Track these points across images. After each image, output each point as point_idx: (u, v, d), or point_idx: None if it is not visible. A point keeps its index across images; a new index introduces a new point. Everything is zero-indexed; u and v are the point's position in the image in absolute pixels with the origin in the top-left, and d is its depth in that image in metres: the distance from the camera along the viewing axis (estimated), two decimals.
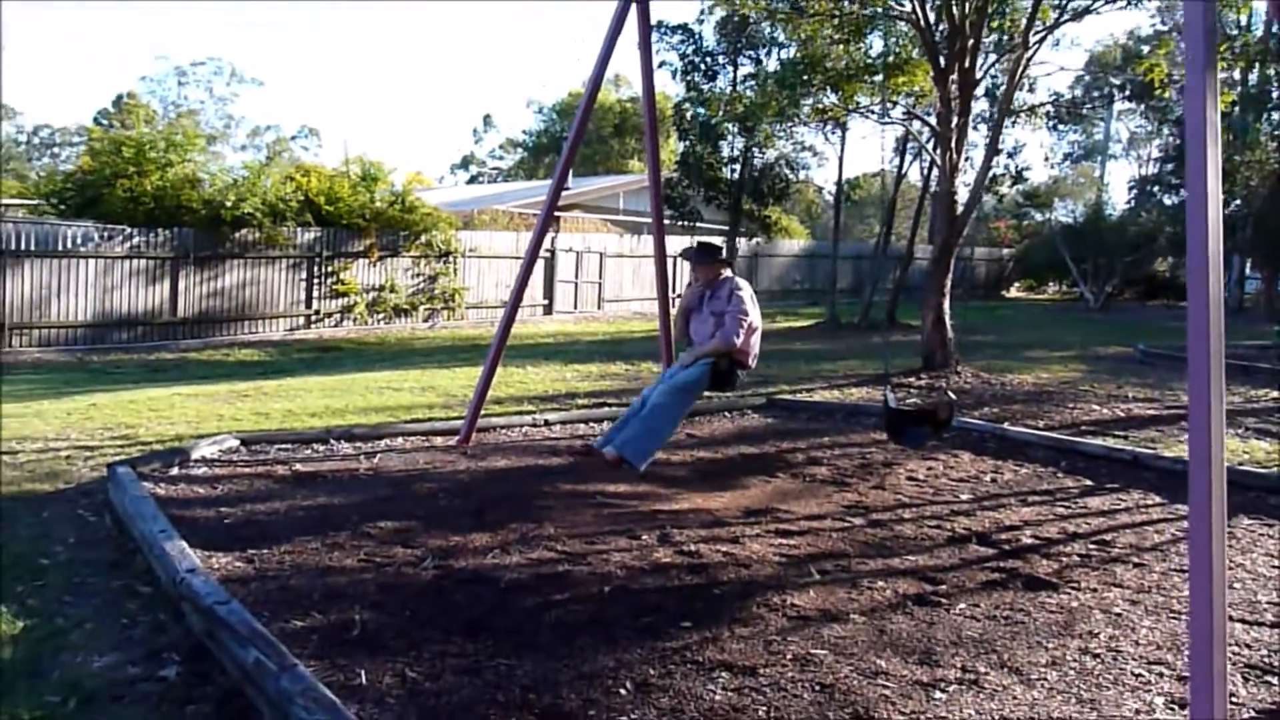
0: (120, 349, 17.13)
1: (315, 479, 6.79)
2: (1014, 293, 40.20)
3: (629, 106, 46.31)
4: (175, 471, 6.82)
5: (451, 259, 22.09)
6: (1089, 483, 7.24)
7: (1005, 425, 9.21)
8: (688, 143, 19.27)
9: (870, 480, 7.18)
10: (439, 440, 8.24)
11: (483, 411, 9.81)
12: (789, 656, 3.92)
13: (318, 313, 20.08)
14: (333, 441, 7.92)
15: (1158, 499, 6.78)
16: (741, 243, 22.70)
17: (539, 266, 24.08)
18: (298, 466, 7.14)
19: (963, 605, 4.57)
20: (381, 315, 20.98)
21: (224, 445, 7.52)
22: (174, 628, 4.25)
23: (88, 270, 17.07)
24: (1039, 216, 36.06)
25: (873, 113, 14.16)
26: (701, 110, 17.92)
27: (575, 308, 25.04)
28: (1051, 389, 12.04)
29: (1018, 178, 20.12)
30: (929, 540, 5.71)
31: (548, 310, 24.38)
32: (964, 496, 6.76)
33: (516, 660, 3.86)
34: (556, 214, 27.68)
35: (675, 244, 26.94)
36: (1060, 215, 36.69)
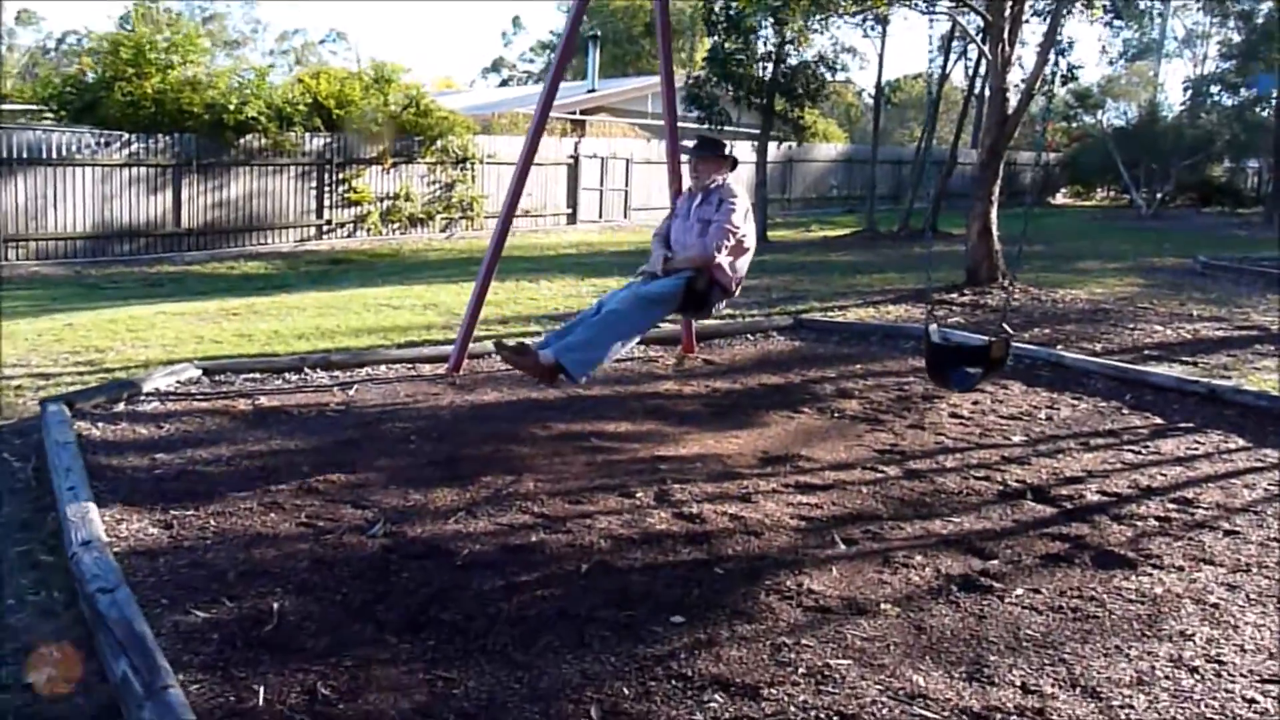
0: (121, 262, 16.42)
1: (277, 416, 6.02)
2: (1060, 199, 38.54)
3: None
4: (120, 407, 6.07)
5: (469, 165, 21.07)
6: (1159, 421, 6.32)
7: (1060, 350, 8.26)
8: (716, 38, 17.95)
9: (908, 417, 6.31)
10: (427, 368, 7.43)
11: (482, 333, 9.04)
12: (801, 670, 3.10)
13: (329, 223, 19.22)
14: (307, 370, 7.14)
15: (1241, 442, 5.86)
16: (774, 147, 21.43)
17: (561, 173, 23.07)
18: (261, 400, 6.37)
19: (1020, 591, 3.72)
20: (396, 225, 20.10)
21: (182, 376, 6.76)
22: (64, 614, 3.51)
23: (85, 179, 16.26)
24: (1089, 119, 34.31)
25: (918, 1, 12.88)
26: (732, 1, 16.62)
27: (600, 216, 24.01)
28: (1108, 306, 11.02)
29: (1069, 76, 18.64)
30: (976, 496, 4.85)
31: (571, 219, 23.38)
32: (1016, 438, 5.88)
33: (461, 670, 3.08)
34: (582, 118, 26.49)
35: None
36: (1112, 117, 34.86)
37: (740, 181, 6.14)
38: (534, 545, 4.03)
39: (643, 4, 43.00)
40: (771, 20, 15.85)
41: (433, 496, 4.57)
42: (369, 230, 19.65)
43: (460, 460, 5.14)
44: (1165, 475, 5.19)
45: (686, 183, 6.34)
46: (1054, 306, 10.91)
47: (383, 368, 7.36)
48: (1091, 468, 5.31)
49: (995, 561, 4.01)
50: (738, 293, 6.09)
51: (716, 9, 17.56)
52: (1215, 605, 3.63)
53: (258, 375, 7.00)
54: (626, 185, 24.37)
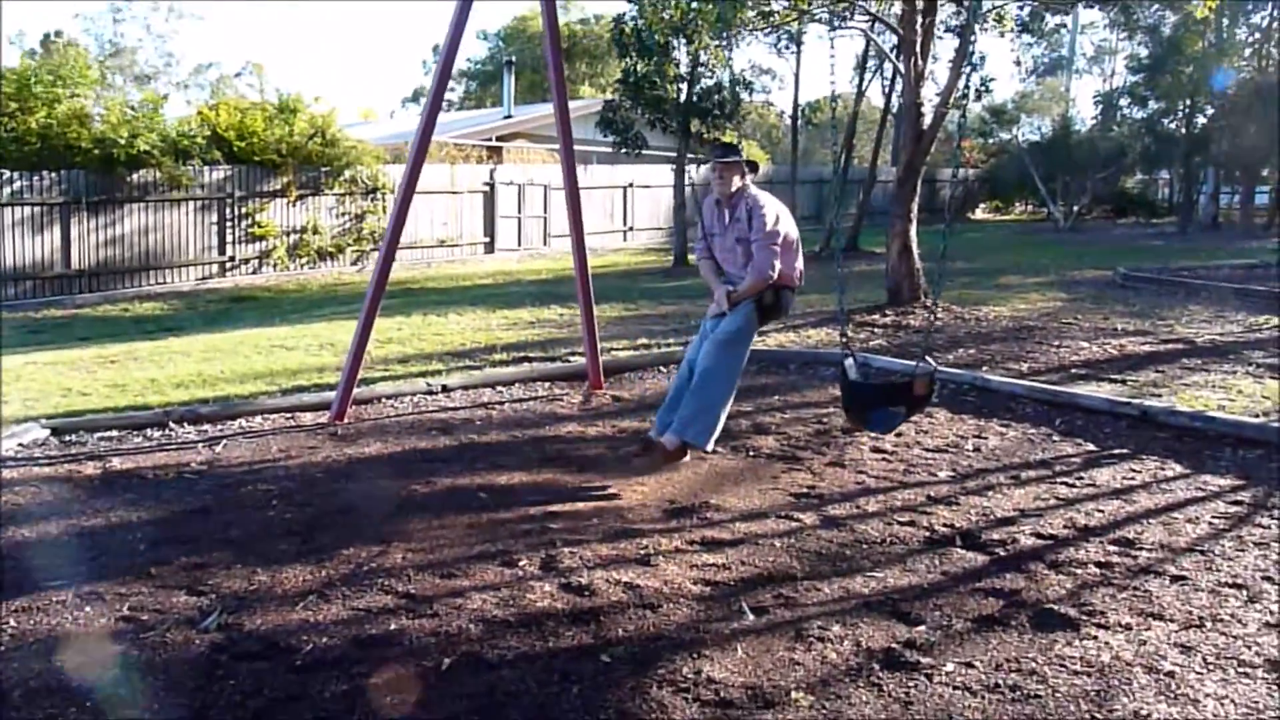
0: (8, 307, 15.40)
1: (127, 481, 5.36)
2: (980, 214, 38.90)
3: (578, 29, 44.12)
4: None
5: (379, 195, 20.37)
6: (1092, 448, 5.93)
7: (985, 372, 7.89)
8: (628, 60, 17.53)
9: (827, 453, 5.84)
10: (309, 417, 6.80)
11: (377, 375, 8.44)
12: None
13: (233, 259, 18.37)
14: (172, 425, 6.47)
15: (1179, 469, 5.49)
16: (693, 169, 21.09)
17: (478, 201, 22.47)
18: (113, 463, 5.69)
19: (950, 666, 3.24)
20: (305, 259, 19.31)
21: (26, 438, 6.05)
22: None
23: None
24: (1005, 134, 34.68)
25: (825, 17, 12.59)
26: (641, 22, 16.22)
27: (519, 245, 23.44)
28: (1032, 322, 10.75)
29: (983, 90, 18.59)
30: (900, 545, 4.38)
31: (489, 248, 22.77)
32: (943, 474, 5.43)
33: None
34: (499, 144, 25.93)
35: (623, 173, 25.41)
36: (1027, 133, 35.29)
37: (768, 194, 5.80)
38: (391, 635, 3.45)
39: (561, 30, 42.71)
40: (684, 41, 15.46)
41: (282, 576, 3.96)
42: (275, 265, 18.85)
43: (322, 528, 4.54)
44: (1103, 511, 4.77)
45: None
46: (978, 325, 10.60)
47: (258, 419, 6.71)
48: (1024, 505, 4.88)
49: (922, 628, 3.52)
50: (803, 282, 5.86)
51: (627, 30, 17.16)
52: (1170, 674, 3.18)
53: (115, 433, 6.31)
54: (545, 212, 23.85)
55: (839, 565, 4.15)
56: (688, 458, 5.52)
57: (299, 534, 4.47)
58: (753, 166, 5.77)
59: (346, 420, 6.67)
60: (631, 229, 25.93)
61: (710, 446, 5.42)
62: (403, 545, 4.29)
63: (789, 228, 5.63)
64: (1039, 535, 4.46)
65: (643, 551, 4.24)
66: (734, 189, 5.60)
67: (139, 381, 8.41)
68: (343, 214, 20.00)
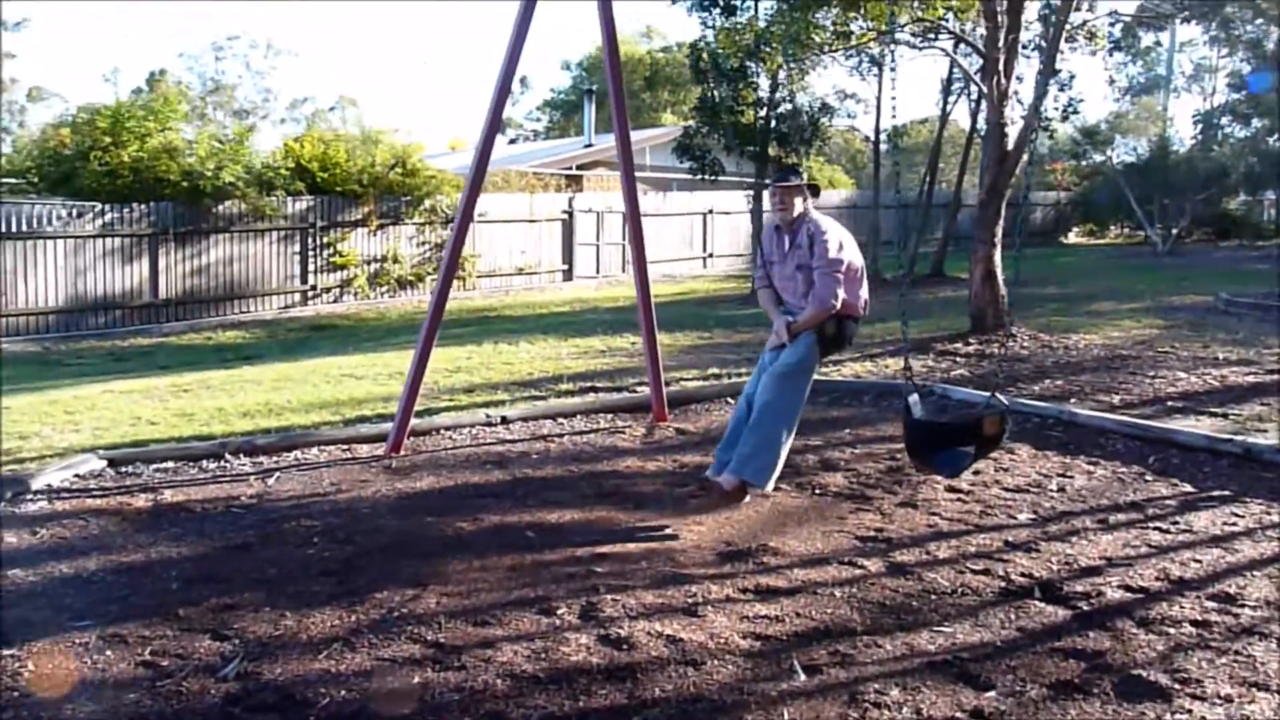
0: (94, 336, 15.83)
1: (175, 514, 5.27)
2: (1074, 238, 37.74)
3: (660, 57, 44.23)
4: (0, 509, 5.34)
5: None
6: (1189, 489, 5.48)
7: (1073, 405, 7.44)
8: (705, 86, 17.36)
9: (899, 493, 5.50)
10: (365, 449, 6.68)
11: (441, 405, 8.33)
12: None
13: (314, 288, 18.63)
14: (228, 456, 6.40)
15: None
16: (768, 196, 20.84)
17: (556, 229, 22.48)
18: (165, 495, 5.62)
19: None
20: (385, 288, 19.50)
21: (82, 469, 6.03)
22: None
23: (57, 251, 15.73)
24: (1098, 156, 33.63)
25: (901, 36, 12.22)
26: (716, 46, 16.04)
27: (597, 272, 23.38)
28: (1125, 351, 10.19)
29: (1070, 110, 17.93)
30: (973, 596, 4.03)
31: (567, 276, 22.75)
32: (1022, 517, 5.05)
33: None
34: (579, 173, 25.97)
35: (702, 200, 25.21)
36: (1122, 154, 34.15)
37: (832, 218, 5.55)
38: (412, 690, 3.23)
39: (642, 57, 42.91)
40: (761, 65, 15.22)
41: (310, 621, 3.79)
42: (356, 294, 19.06)
43: (359, 568, 4.36)
44: (1200, 561, 4.35)
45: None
46: (1066, 354, 10.08)
47: (314, 450, 6.61)
48: (1111, 553, 4.48)
49: (992, 694, 3.19)
50: (867, 312, 5.57)
51: (704, 55, 16.99)
52: None
53: (171, 464, 6.26)
54: (624, 239, 23.75)
55: (903, 619, 3.82)
56: (748, 498, 5.21)
57: (335, 574, 4.30)
58: (814, 190, 5.48)
59: (403, 452, 6.53)
60: (711, 255, 25.70)
61: (770, 486, 5.11)
62: (438, 589, 4.09)
63: (853, 255, 5.33)
64: (1127, 588, 4.07)
65: (690, 600, 3.97)
66: (795, 214, 5.33)
67: (207, 410, 8.43)
68: (422, 243, 20.17)
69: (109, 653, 3.57)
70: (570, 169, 26.17)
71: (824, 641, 3.61)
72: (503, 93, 6.42)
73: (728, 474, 5.05)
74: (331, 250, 18.76)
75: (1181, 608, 3.85)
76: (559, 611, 3.85)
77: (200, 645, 3.62)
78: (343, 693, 3.23)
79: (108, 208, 16.24)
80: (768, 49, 13.22)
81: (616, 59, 6.92)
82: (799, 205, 5.33)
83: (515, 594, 4.04)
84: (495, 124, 6.51)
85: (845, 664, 3.43)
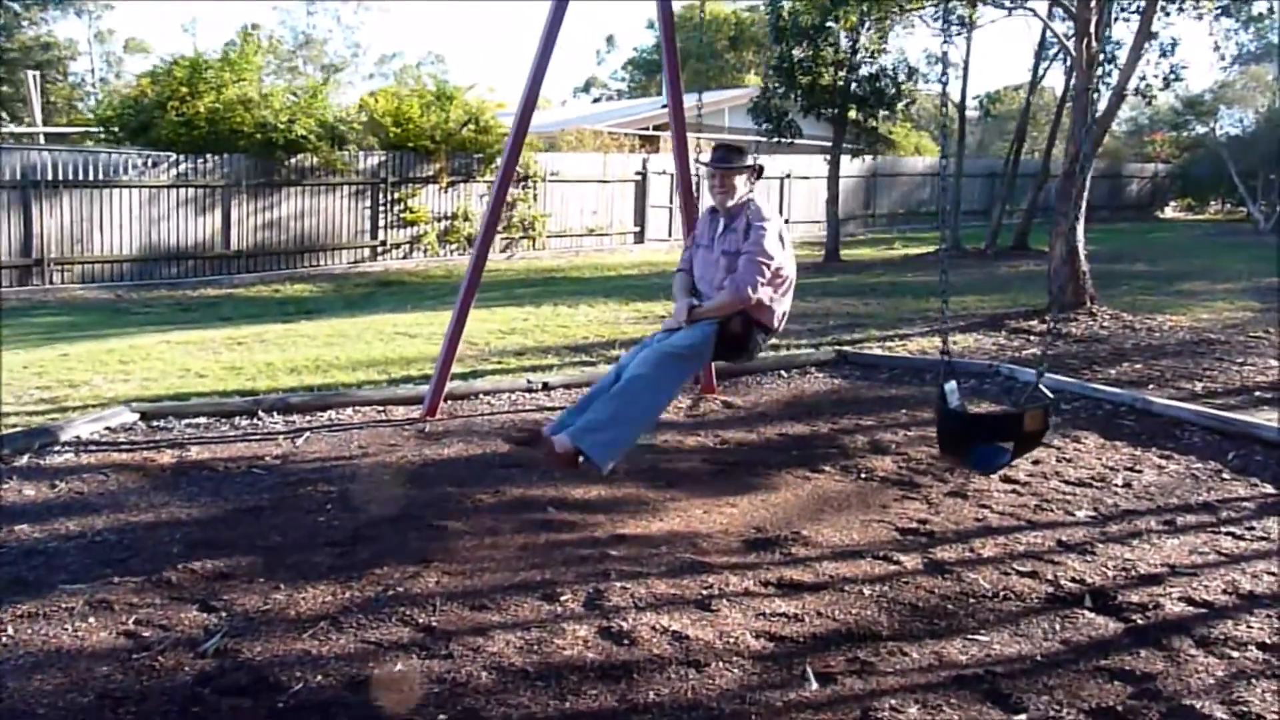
0: (166, 285, 16.04)
1: (197, 473, 5.17)
2: (1170, 213, 36.21)
3: (746, 16, 43.32)
4: (24, 461, 5.28)
5: (531, 183, 20.29)
6: (1269, 490, 5.03)
7: (1149, 393, 6.95)
8: (784, 45, 16.82)
9: (949, 481, 5.14)
10: (400, 411, 6.52)
11: (489, 368, 8.17)
12: None
13: (384, 244, 18.64)
14: (261, 414, 6.29)
15: None
16: (851, 162, 20.19)
17: (629, 190, 22.17)
18: (191, 452, 5.53)
19: None
20: (454, 246, 19.42)
21: (114, 421, 5.97)
22: None
23: (131, 200, 15.93)
24: (1200, 128, 32.10)
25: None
26: (797, 4, 15.51)
27: (669, 235, 22.99)
28: (1213, 335, 9.57)
29: (1172, 78, 16.97)
30: (1015, 601, 3.69)
31: (639, 238, 22.44)
32: (1081, 513, 4.67)
33: None
34: (653, 133, 25.57)
35: (781, 164, 24.65)
36: (1226, 125, 32.55)
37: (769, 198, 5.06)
38: (391, 679, 3.03)
39: (728, 17, 42.09)
40: (841, 25, 14.66)
41: (302, 595, 3.61)
42: (425, 251, 19.03)
43: (366, 539, 4.18)
44: (1275, 574, 3.94)
45: (706, 200, 5.19)
46: (1149, 336, 9.51)
47: (349, 411, 6.47)
48: (1175, 560, 4.09)
49: (1022, 718, 2.87)
50: (780, 328, 5.01)
51: (784, 13, 16.45)
52: None
53: (203, 420, 6.17)
54: (697, 201, 23.33)
55: (935, 624, 3.50)
56: (578, 469, 4.37)
57: (340, 544, 4.13)
58: (758, 172, 4.90)
59: (438, 416, 6.36)
60: (788, 221, 25.11)
61: (609, 467, 4.32)
62: (441, 566, 3.88)
63: (787, 259, 4.76)
64: (1190, 601, 3.69)
65: (705, 592, 3.70)
66: (736, 198, 4.77)
67: (256, 365, 8.38)
68: (504, 202, 20.00)
69: (92, 619, 3.44)
70: (647, 129, 25.79)
71: (844, 646, 3.32)
72: (544, 53, 6.13)
73: (563, 436, 4.28)
74: (402, 206, 18.73)
75: (1249, 627, 3.47)
76: (563, 598, 3.62)
77: (186, 616, 3.47)
78: (319, 678, 3.04)
79: (182, 158, 16.38)
80: (846, 6, 12.66)
81: (670, 21, 6.57)
82: (741, 189, 4.79)
83: (521, 576, 3.82)
84: (536, 84, 6.24)
85: (864, 673, 3.13)
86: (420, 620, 3.42)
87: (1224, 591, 3.77)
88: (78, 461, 5.33)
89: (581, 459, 4.26)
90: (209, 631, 3.35)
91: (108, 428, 5.90)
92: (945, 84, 4.43)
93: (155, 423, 6.08)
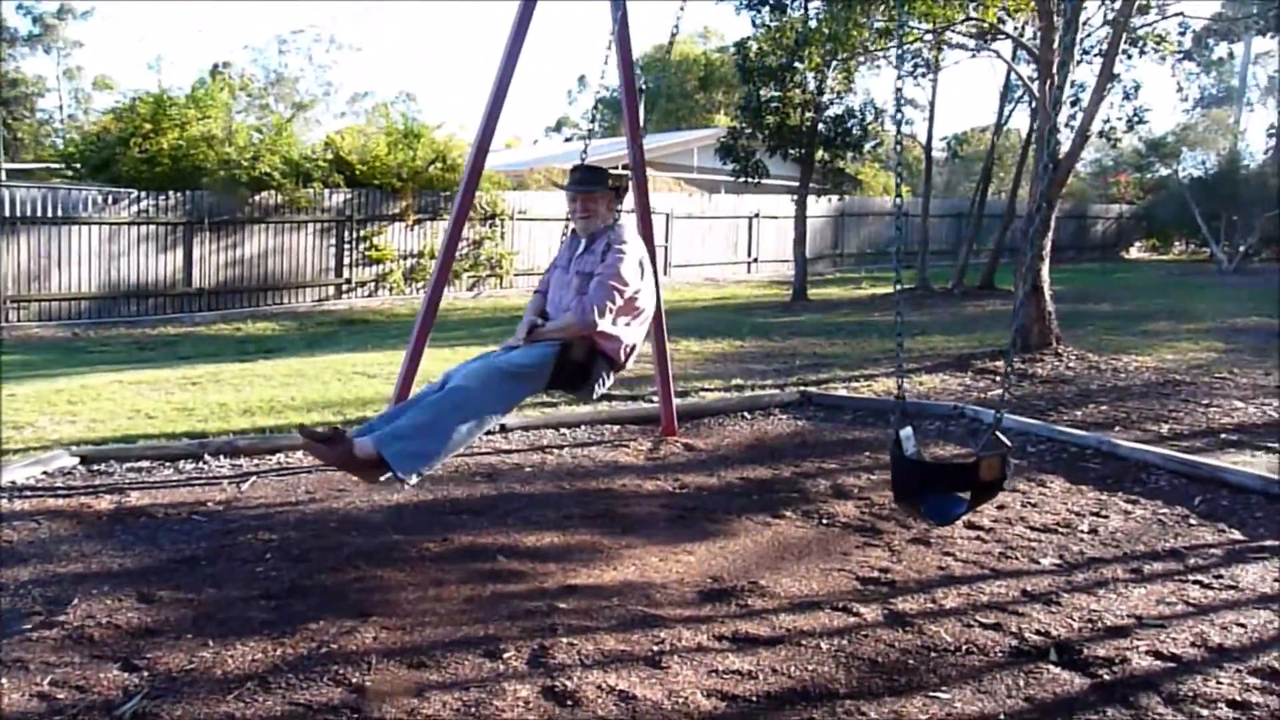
0: (126, 323, 15.76)
1: (135, 520, 4.95)
2: (1135, 253, 36.63)
3: (716, 58, 43.69)
4: None
5: (498, 221, 20.19)
6: (1237, 536, 4.93)
7: (1116, 435, 6.88)
8: (751, 85, 16.87)
9: (912, 527, 5.00)
10: None
11: None
12: None
13: (349, 282, 18.46)
14: (207, 457, 6.09)
15: None
16: (819, 201, 20.24)
17: None
18: (131, 498, 5.31)
19: None
20: (420, 284, 19.23)
21: (52, 465, 5.75)
22: None
23: (91, 238, 15.68)
24: (1164, 169, 32.56)
25: (953, 38, 11.67)
26: (764, 47, 15.57)
27: None
28: (1179, 376, 9.55)
29: (1135, 120, 17.18)
30: (979, 654, 3.55)
31: None
32: (1046, 561, 4.55)
33: None
34: (623, 172, 25.58)
35: (749, 203, 24.70)
36: (1189, 167, 32.99)
37: (632, 225, 4.89)
38: None
39: (697, 58, 42.43)
40: (806, 65, 14.71)
41: (230, 653, 3.42)
42: (391, 289, 18.85)
43: (303, 592, 3.99)
44: (1244, 626, 3.83)
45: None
46: (1115, 377, 9.47)
47: (299, 454, 6.26)
48: (1143, 610, 3.97)
49: None
50: (629, 365, 4.79)
51: (751, 54, 16.52)
52: None
53: (146, 464, 5.96)
54: (667, 241, 23.32)
55: (895, 680, 3.36)
56: (379, 479, 4.20)
57: (276, 597, 3.93)
58: (619, 193, 4.75)
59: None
60: (756, 260, 25.18)
61: (413, 480, 4.09)
62: (381, 621, 3.70)
63: (645, 288, 4.58)
64: (1158, 654, 3.56)
65: (656, 648, 3.54)
66: (598, 223, 4.64)
67: (209, 406, 8.16)
68: (461, 239, 19.87)
69: (4, 680, 3.23)
70: (615, 168, 25.77)
71: (800, 705, 3.17)
72: (499, 92, 6.03)
73: (368, 439, 4.02)
74: (368, 244, 18.57)
75: (1218, 683, 3.34)
76: (506, 655, 3.44)
77: (105, 676, 3.27)
78: None
79: (144, 195, 16.17)
80: (809, 47, 12.70)
81: (628, 58, 6.52)
82: (602, 213, 4.66)
83: (464, 630, 3.64)
84: (491, 124, 6.12)
85: None
86: (354, 680, 3.24)
87: (1192, 644, 3.65)
88: (10, 508, 5.11)
89: (384, 467, 4.00)
90: (128, 693, 3.15)
91: (45, 472, 5.68)
92: (899, 123, 4.35)
93: (96, 466, 5.86)
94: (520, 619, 3.76)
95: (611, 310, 4.43)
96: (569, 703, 3.12)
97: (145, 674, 3.29)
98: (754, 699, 3.20)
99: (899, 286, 4.35)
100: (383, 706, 3.06)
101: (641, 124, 22.52)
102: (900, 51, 8.49)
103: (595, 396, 4.77)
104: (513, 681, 3.25)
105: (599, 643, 3.56)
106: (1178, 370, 9.90)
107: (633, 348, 4.66)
